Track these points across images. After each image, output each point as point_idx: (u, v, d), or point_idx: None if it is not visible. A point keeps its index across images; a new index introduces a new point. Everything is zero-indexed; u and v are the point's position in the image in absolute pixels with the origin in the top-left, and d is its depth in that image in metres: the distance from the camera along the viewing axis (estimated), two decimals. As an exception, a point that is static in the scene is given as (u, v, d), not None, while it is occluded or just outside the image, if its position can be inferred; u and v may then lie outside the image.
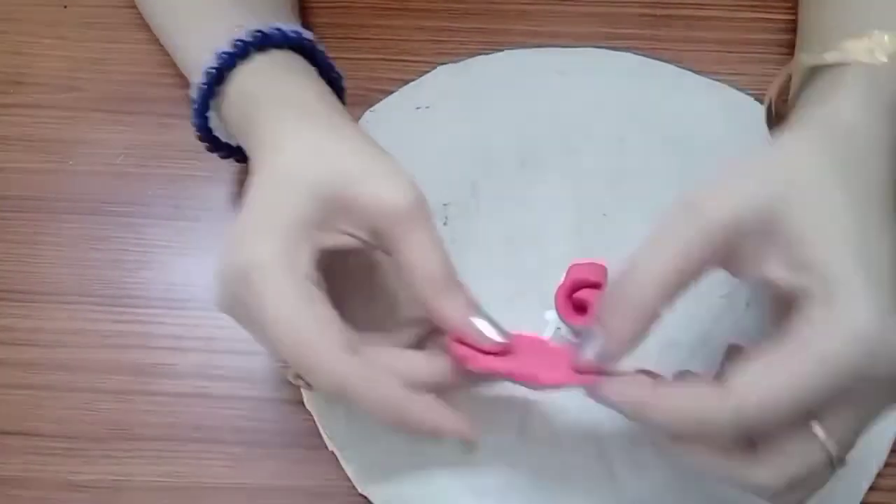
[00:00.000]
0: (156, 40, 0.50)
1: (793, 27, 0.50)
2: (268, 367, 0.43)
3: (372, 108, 0.48)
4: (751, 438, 0.32)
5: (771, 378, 0.30)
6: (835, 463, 0.31)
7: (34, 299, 0.44)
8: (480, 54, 0.50)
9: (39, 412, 0.42)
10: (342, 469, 0.41)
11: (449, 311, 0.34)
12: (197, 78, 0.40)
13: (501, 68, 0.49)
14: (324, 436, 0.41)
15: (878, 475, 0.41)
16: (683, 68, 0.50)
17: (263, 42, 0.40)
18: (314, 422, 0.42)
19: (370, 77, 0.49)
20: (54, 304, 0.44)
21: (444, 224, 0.45)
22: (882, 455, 0.40)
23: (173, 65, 0.49)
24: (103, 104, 0.49)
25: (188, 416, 0.42)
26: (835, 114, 0.35)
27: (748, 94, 0.49)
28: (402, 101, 0.49)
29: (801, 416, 0.31)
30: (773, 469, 0.32)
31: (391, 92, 0.49)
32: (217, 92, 0.40)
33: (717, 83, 0.49)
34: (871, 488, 0.41)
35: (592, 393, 0.33)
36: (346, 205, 0.34)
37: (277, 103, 0.38)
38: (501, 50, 0.50)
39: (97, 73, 0.50)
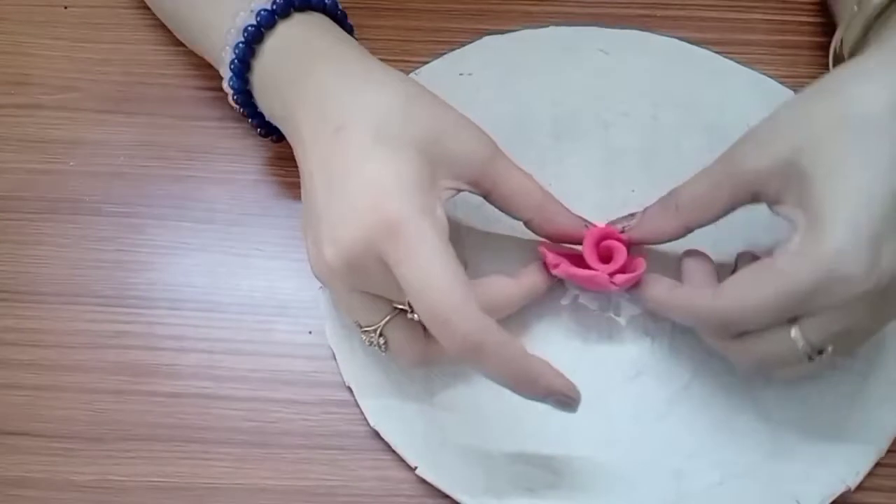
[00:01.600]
0: (156, 41, 0.50)
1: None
2: (268, 367, 0.43)
3: (416, 72, 0.49)
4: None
5: (745, 290, 0.37)
6: (812, 356, 0.36)
7: (35, 300, 0.44)
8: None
9: (39, 412, 0.42)
10: (342, 468, 0.41)
11: (558, 216, 0.41)
12: (231, 39, 0.40)
13: (546, 42, 0.50)
14: (342, 373, 0.42)
15: (879, 476, 0.41)
16: (725, 56, 0.50)
17: (302, 3, 0.40)
18: (313, 421, 0.42)
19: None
20: (55, 304, 0.44)
21: None
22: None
23: (174, 65, 0.50)
24: (104, 104, 0.49)
25: (189, 416, 0.42)
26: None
27: (788, 87, 0.49)
28: (446, 67, 0.49)
29: (779, 320, 0.36)
30: (745, 351, 0.38)
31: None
32: (254, 52, 0.40)
33: (757, 73, 0.50)
34: (871, 489, 0.41)
35: (635, 292, 0.42)
36: (444, 159, 0.37)
37: (334, 57, 0.40)
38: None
39: (98, 74, 0.50)
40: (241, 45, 0.40)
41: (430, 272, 0.34)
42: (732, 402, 0.42)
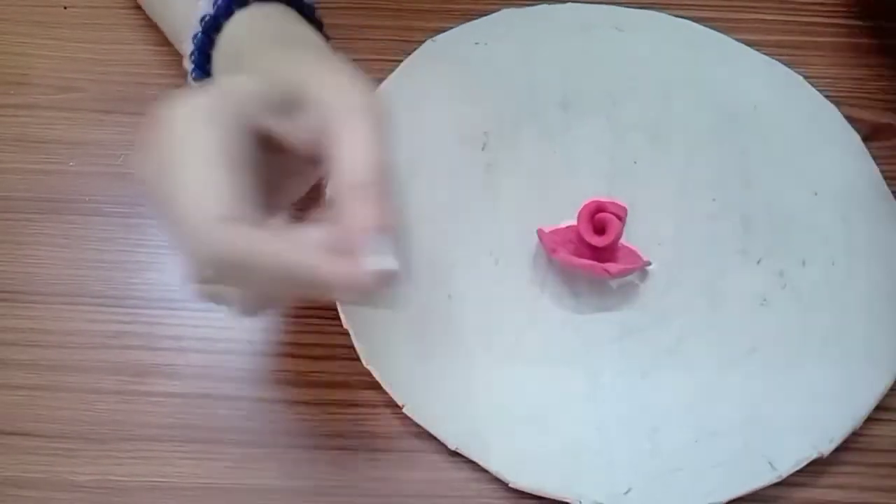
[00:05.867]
0: (155, 41, 0.50)
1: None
2: (268, 367, 0.43)
3: (433, 38, 0.51)
4: None
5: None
6: None
7: (35, 300, 0.44)
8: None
9: (40, 412, 0.42)
10: (342, 468, 0.41)
11: (352, 216, 0.32)
12: (192, 32, 0.40)
13: (562, 18, 0.52)
14: (342, 315, 0.43)
15: (881, 476, 0.41)
16: (740, 41, 0.52)
17: None
18: (314, 421, 0.42)
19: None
20: (55, 304, 0.44)
21: (483, 150, 0.48)
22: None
23: (173, 65, 0.49)
24: (103, 105, 0.49)
25: (188, 416, 0.42)
26: None
27: (797, 71, 0.51)
28: (463, 36, 0.51)
29: None
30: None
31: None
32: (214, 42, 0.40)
33: (767, 56, 0.51)
34: (870, 488, 0.41)
35: None
36: (298, 103, 0.34)
37: (266, 38, 0.39)
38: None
39: (97, 74, 0.50)
40: (200, 34, 0.40)
41: (180, 165, 0.31)
42: (714, 367, 0.43)
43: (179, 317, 0.44)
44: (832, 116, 0.50)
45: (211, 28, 0.40)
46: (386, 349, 0.43)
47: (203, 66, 0.41)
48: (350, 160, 0.33)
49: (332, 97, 0.34)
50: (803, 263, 0.46)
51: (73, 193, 0.47)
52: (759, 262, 0.46)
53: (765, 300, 0.45)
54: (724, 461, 0.41)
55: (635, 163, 0.48)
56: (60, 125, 0.49)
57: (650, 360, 0.43)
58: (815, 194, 0.48)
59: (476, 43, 0.51)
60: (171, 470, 0.41)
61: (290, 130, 0.34)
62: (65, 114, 0.49)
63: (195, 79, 0.41)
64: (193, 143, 0.31)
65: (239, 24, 0.39)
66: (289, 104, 0.34)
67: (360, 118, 0.33)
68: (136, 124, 0.48)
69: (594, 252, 0.44)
